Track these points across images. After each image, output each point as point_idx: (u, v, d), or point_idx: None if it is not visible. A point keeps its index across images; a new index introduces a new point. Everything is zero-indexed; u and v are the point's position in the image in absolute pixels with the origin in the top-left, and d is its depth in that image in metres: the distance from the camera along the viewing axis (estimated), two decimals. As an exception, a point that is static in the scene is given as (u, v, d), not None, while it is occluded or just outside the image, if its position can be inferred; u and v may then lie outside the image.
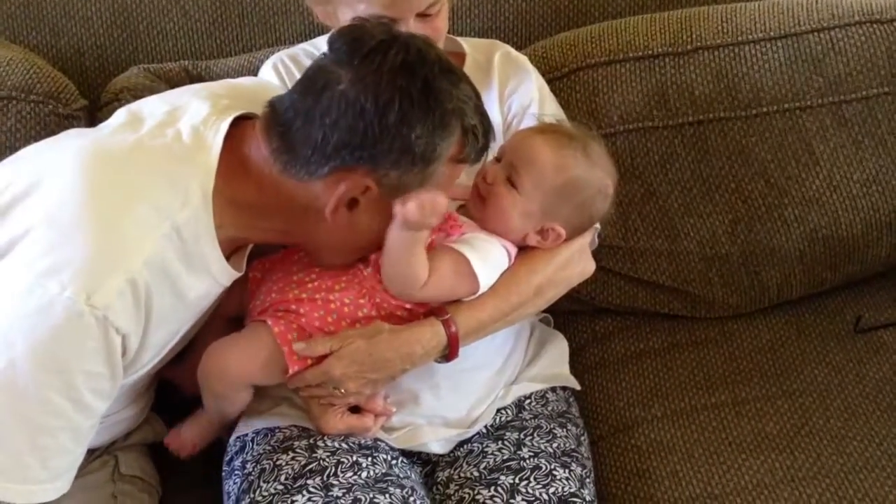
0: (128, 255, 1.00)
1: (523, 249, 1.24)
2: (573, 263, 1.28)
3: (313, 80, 1.06)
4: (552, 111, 1.36)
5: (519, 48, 1.45)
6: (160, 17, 1.57)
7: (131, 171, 1.06)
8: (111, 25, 1.57)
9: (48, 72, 1.41)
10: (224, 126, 1.08)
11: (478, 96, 1.10)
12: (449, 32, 1.38)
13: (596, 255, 1.36)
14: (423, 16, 1.21)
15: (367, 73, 1.02)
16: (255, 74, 1.40)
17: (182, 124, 1.09)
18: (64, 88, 1.41)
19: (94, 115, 1.43)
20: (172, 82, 1.48)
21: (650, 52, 1.49)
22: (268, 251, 1.26)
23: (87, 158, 1.07)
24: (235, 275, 1.13)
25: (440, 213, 1.09)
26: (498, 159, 1.23)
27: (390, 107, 1.02)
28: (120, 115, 1.15)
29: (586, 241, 1.30)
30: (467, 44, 1.39)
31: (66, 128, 1.34)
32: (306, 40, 1.46)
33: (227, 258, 1.12)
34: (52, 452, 1.03)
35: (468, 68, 1.36)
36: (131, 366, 1.07)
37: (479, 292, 1.19)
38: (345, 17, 1.20)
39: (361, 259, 1.19)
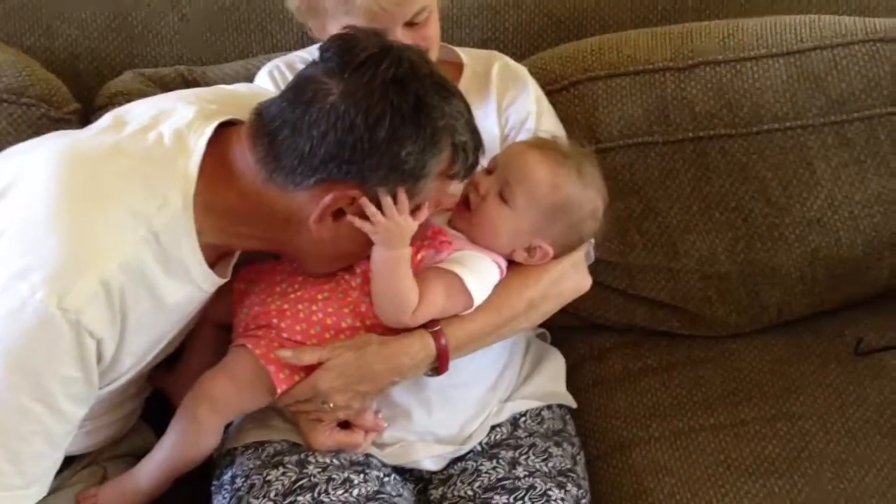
0: (100, 258, 0.99)
1: (516, 263, 1.22)
2: (567, 278, 1.26)
3: (303, 90, 1.04)
4: (549, 124, 1.35)
5: (518, 60, 1.44)
6: (156, 21, 1.55)
7: (106, 173, 1.04)
8: (107, 28, 1.54)
9: (41, 74, 1.39)
10: (208, 131, 1.06)
11: (469, 111, 1.09)
12: (448, 42, 1.36)
13: (594, 270, 1.35)
14: (410, 24, 1.20)
15: (358, 86, 1.01)
16: (252, 81, 1.38)
17: (165, 128, 1.07)
18: (57, 91, 1.39)
19: (87, 118, 1.40)
20: (168, 87, 1.45)
21: (651, 66, 1.47)
22: (255, 259, 1.23)
23: (63, 160, 1.05)
24: (219, 281, 1.12)
25: (411, 227, 1.07)
26: (489, 171, 1.21)
27: (381, 123, 1.01)
28: (106, 118, 1.14)
29: (581, 256, 1.29)
30: (465, 54, 1.38)
31: (59, 131, 1.32)
32: (303, 48, 1.44)
33: (213, 264, 1.11)
34: (26, 457, 1.01)
35: (466, 79, 1.35)
36: (110, 371, 1.05)
37: (472, 308, 1.17)
38: (333, 30, 1.18)
39: (348, 269, 1.17)
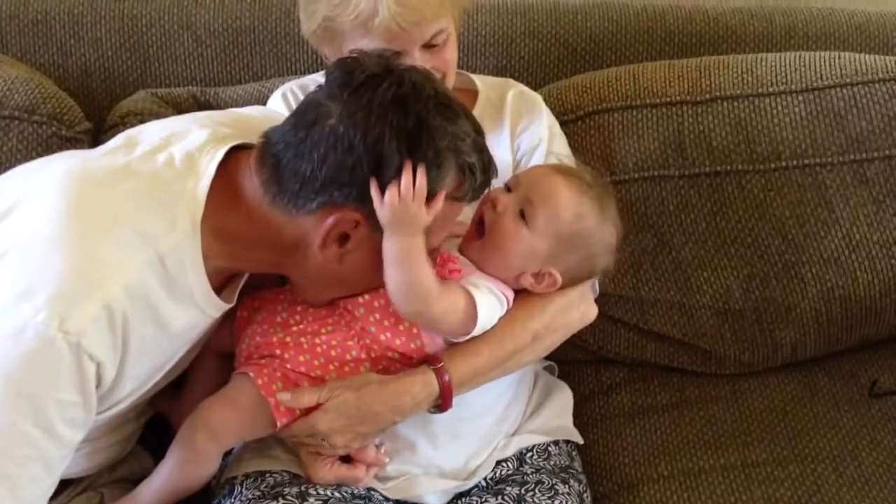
0: (105, 280, 0.98)
1: (520, 293, 1.20)
2: (573, 308, 1.24)
3: (305, 113, 1.03)
4: (561, 152, 1.34)
5: (533, 89, 1.42)
6: (171, 42, 1.55)
7: (115, 194, 1.03)
8: (120, 48, 1.54)
9: (53, 92, 1.39)
10: (219, 154, 1.05)
11: (478, 131, 1.07)
12: (463, 70, 1.36)
13: (605, 304, 1.33)
14: (429, 47, 1.19)
15: (357, 107, 1.00)
16: (265, 103, 1.37)
17: (176, 149, 1.07)
18: (68, 110, 1.39)
19: (98, 138, 1.40)
20: (180, 108, 1.45)
21: (668, 99, 1.46)
22: (259, 286, 1.22)
23: (72, 180, 1.04)
24: (224, 306, 1.10)
25: (421, 200, 1.02)
26: (508, 189, 1.19)
27: (380, 144, 0.99)
28: (117, 139, 1.13)
29: (587, 287, 1.27)
30: (481, 81, 1.37)
31: (69, 150, 1.31)
32: (318, 70, 1.44)
33: (220, 289, 1.09)
34: (21, 482, 0.99)
35: (480, 106, 1.34)
36: (109, 396, 1.04)
37: (470, 335, 1.14)
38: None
39: (350, 300, 1.15)
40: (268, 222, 1.04)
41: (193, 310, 1.06)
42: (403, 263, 1.06)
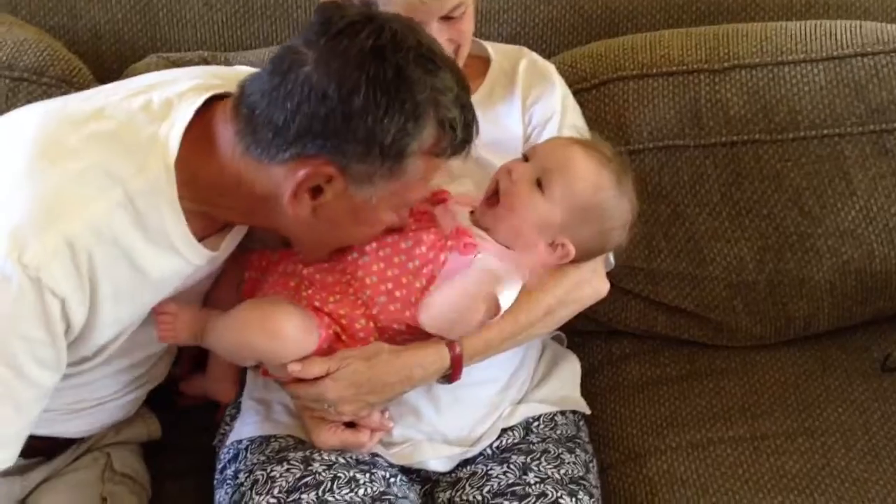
0: (65, 214, 0.95)
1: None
2: (585, 283, 1.23)
3: (280, 60, 0.99)
4: (574, 122, 1.32)
5: (547, 56, 1.40)
6: (181, 6, 1.54)
7: (85, 133, 1.00)
8: (131, 11, 1.54)
9: (62, 54, 1.39)
10: (198, 100, 1.03)
11: (462, 86, 1.02)
12: (476, 37, 1.34)
13: (616, 275, 1.32)
14: (447, 19, 1.17)
15: (334, 55, 0.96)
16: (275, 68, 1.36)
17: (156, 94, 1.04)
18: (78, 73, 1.38)
19: (107, 101, 1.39)
20: (190, 72, 1.44)
21: (684, 67, 1.44)
22: (265, 244, 1.20)
23: (47, 118, 1.03)
24: (208, 254, 1.07)
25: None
26: (526, 158, 1.18)
27: (355, 94, 0.95)
28: (108, 85, 1.12)
29: (600, 261, 1.25)
30: (494, 49, 1.35)
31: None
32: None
33: (207, 238, 1.07)
34: None
35: (493, 74, 1.32)
36: (87, 340, 1.02)
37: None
38: None
39: (361, 267, 1.13)
40: (239, 171, 1.01)
41: (174, 256, 1.04)
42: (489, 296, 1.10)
